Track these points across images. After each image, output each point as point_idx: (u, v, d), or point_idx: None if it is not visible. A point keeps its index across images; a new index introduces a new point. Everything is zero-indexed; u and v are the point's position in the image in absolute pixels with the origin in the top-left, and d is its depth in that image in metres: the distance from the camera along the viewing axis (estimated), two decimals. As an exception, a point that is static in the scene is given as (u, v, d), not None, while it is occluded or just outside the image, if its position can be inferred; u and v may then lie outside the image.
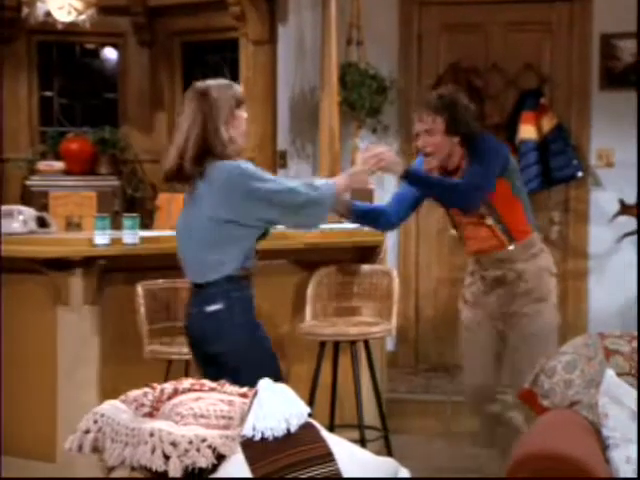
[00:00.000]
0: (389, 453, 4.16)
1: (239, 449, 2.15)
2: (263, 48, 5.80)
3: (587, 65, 5.91)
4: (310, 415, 2.30)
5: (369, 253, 4.75)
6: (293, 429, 2.17)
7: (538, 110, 5.88)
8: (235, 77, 6.32)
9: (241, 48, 6.40)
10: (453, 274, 6.15)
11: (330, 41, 4.90)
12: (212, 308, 3.11)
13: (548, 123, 5.86)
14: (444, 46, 6.04)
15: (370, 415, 4.42)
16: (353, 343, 4.09)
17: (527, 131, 5.86)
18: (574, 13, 5.92)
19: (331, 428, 4.25)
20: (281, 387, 2.25)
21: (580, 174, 5.84)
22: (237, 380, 2.59)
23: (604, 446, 2.62)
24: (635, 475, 2.42)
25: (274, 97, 6.11)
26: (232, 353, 3.08)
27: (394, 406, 5.11)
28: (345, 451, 2.14)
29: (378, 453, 4.03)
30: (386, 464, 2.19)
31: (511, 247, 3.67)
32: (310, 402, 4.04)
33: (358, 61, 5.78)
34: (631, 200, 5.44)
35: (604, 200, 5.80)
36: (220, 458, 2.18)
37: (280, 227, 4.86)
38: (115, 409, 2.31)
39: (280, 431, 2.15)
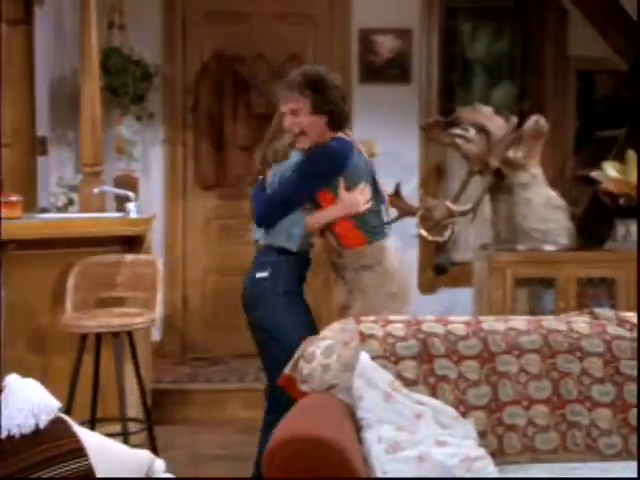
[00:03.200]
0: (152, 445, 4.12)
1: (-17, 449, 2.03)
2: (18, 28, 5.53)
3: (348, 58, 6.09)
4: (65, 410, 2.22)
5: (133, 242, 4.66)
6: (42, 425, 2.08)
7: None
8: (-13, 57, 5.99)
9: (-7, 27, 6.08)
10: (221, 263, 6.17)
11: (90, 24, 4.74)
12: (260, 275, 3.46)
13: (311, 113, 5.96)
14: (209, 34, 6.03)
15: (134, 407, 4.36)
16: (116, 334, 4.00)
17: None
18: (334, 7, 6.08)
19: (93, 422, 4.15)
20: (30, 382, 2.16)
21: (343, 164, 5.99)
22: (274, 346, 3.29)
23: (358, 427, 2.70)
24: (385, 454, 2.51)
25: (32, 80, 5.85)
26: (267, 319, 3.44)
27: (160, 397, 5.07)
28: (97, 445, 2.08)
29: (141, 445, 4.00)
30: (140, 455, 2.15)
31: (340, 254, 3.57)
32: (70, 396, 3.93)
33: (121, 46, 5.65)
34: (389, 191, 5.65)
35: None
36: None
37: (44, 216, 4.73)
38: None
39: (28, 428, 2.05)
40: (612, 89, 6.25)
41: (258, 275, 3.46)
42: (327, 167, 3.45)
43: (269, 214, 3.48)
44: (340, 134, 3.50)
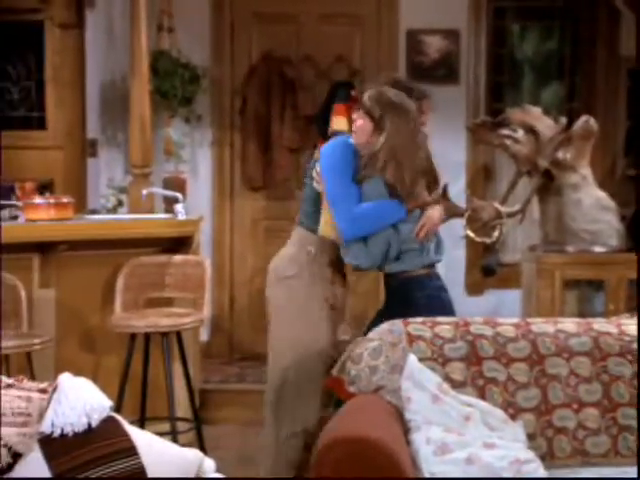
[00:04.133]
0: (201, 444, 4.15)
1: (37, 446, 2.07)
2: (70, 32, 5.62)
3: (395, 59, 6.07)
4: (115, 409, 2.25)
5: (182, 243, 4.70)
6: (94, 423, 2.11)
7: (349, 102, 5.98)
8: (40, 61, 6.09)
9: (46, 32, 6.17)
10: (267, 263, 6.18)
11: (140, 27, 4.80)
12: None
13: (359, 115, 5.96)
14: (256, 35, 6.06)
15: (183, 407, 4.39)
16: (165, 335, 4.04)
17: (339, 122, 5.93)
18: (382, 8, 6.07)
19: (142, 421, 4.19)
20: (82, 381, 2.19)
21: (390, 165, 5.98)
22: None
23: (406, 429, 2.69)
24: (434, 456, 2.51)
25: (83, 83, 5.94)
26: None
27: (208, 396, 5.12)
28: (148, 444, 2.11)
29: (189, 445, 4.02)
30: (191, 455, 2.17)
31: None
32: (120, 395, 3.97)
33: (170, 49, 5.70)
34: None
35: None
36: (18, 457, 2.10)
37: (94, 217, 4.80)
38: None
39: (81, 426, 2.09)
40: (663, 89, 6.16)
41: None
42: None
43: None
44: None
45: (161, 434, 3.65)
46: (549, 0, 5.95)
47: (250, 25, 6.07)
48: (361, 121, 3.37)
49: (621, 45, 6.14)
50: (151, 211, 4.99)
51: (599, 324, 3.03)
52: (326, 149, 3.49)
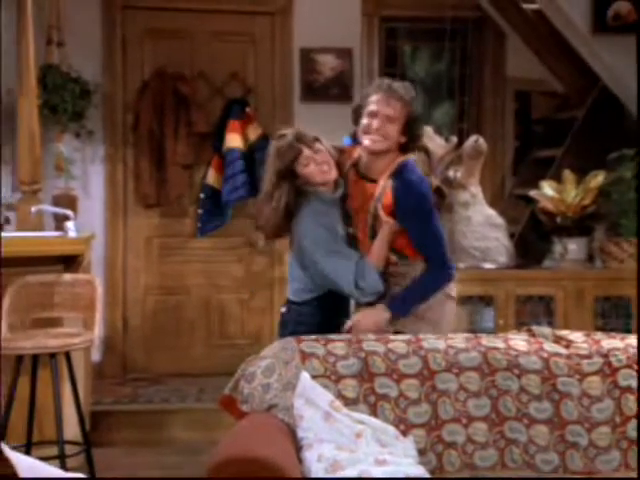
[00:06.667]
0: (90, 468, 4.05)
1: None
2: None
3: (289, 77, 6.10)
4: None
5: (72, 262, 4.60)
6: (-26, 450, 2.03)
7: (244, 119, 5.98)
8: None
9: None
10: (162, 282, 6.13)
11: (27, 41, 4.68)
12: None
13: (254, 132, 5.97)
14: (149, 51, 6.00)
15: (73, 429, 4.28)
16: (53, 355, 3.94)
17: (233, 140, 5.93)
18: (275, 26, 6.10)
19: (29, 445, 4.07)
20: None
21: (284, 183, 5.99)
22: None
23: (299, 447, 2.69)
24: (325, 474, 2.51)
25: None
26: None
27: (100, 418, 5.00)
28: (30, 469, 2.04)
29: (79, 468, 3.94)
30: (75, 480, 2.11)
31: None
32: (5, 419, 3.85)
33: (60, 63, 5.59)
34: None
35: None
36: None
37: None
38: None
39: (-41, 453, 2.01)
40: (549, 110, 6.36)
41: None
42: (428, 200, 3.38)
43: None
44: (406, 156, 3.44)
45: (49, 458, 3.58)
46: (438, 22, 6.07)
47: (143, 41, 6.00)
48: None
49: (507, 67, 6.32)
50: (40, 229, 4.86)
51: (487, 339, 3.09)
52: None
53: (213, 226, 6.01)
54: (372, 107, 3.35)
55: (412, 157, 3.45)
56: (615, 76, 5.29)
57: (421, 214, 3.30)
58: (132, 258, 6.09)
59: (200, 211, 5.99)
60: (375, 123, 3.32)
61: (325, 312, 3.34)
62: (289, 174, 3.33)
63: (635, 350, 3.07)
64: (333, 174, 3.36)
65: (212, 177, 5.96)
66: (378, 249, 3.31)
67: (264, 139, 5.97)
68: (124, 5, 5.95)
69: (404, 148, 3.40)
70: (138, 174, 5.98)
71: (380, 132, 3.31)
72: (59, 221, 4.96)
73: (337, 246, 3.29)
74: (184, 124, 5.89)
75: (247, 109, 6.01)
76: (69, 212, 4.67)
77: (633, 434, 2.93)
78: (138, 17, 5.98)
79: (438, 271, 3.33)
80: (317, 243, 3.27)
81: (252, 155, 5.93)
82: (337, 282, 3.26)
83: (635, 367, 3.02)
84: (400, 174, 3.32)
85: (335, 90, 6.10)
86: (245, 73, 6.12)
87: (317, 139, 3.38)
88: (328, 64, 6.07)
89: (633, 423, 2.95)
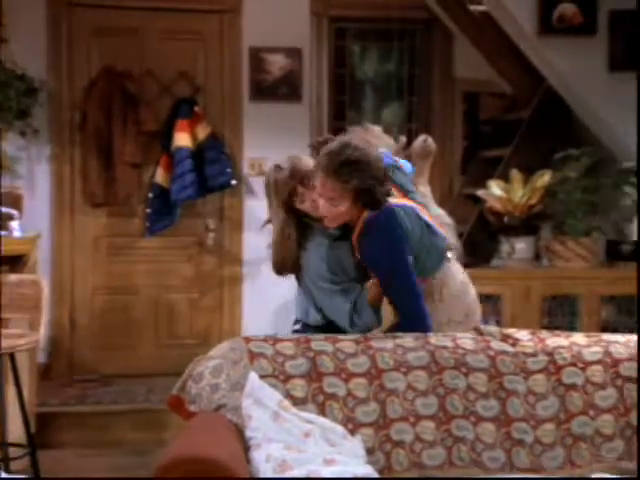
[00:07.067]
0: (35, 470, 4.01)
1: None
2: None
3: (238, 76, 6.08)
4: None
5: (18, 262, 4.54)
6: None
7: (193, 118, 5.95)
8: None
9: None
10: (110, 282, 6.07)
11: (-31, 38, 4.63)
12: None
13: (203, 131, 5.95)
14: (97, 49, 5.93)
15: (17, 432, 4.23)
16: (-3, 357, 3.88)
17: (182, 139, 5.90)
18: (224, 25, 6.08)
19: (-29, 449, 4.02)
20: None
21: (234, 182, 5.98)
22: None
23: (247, 447, 2.68)
24: (273, 474, 2.50)
25: None
26: None
27: (46, 420, 4.95)
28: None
29: (23, 471, 3.89)
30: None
31: None
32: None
33: (4, 60, 5.50)
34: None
35: (256, 207, 5.98)
36: None
37: None
38: None
39: None
40: (497, 111, 6.42)
41: None
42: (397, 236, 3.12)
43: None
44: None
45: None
46: (387, 22, 6.10)
47: (90, 38, 5.93)
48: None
49: (455, 68, 6.37)
50: (-16, 228, 4.79)
51: (435, 338, 3.10)
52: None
53: (162, 225, 5.97)
54: (316, 183, 3.12)
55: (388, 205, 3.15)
56: (560, 77, 5.36)
57: (384, 273, 3.11)
58: (80, 258, 6.02)
59: (149, 210, 5.95)
60: (320, 205, 3.10)
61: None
62: (291, 208, 3.26)
63: (579, 348, 3.12)
64: None
65: (161, 176, 5.92)
66: (372, 292, 3.20)
67: (213, 138, 5.97)
68: (69, 2, 5.87)
69: (371, 208, 3.10)
70: (85, 173, 5.92)
71: (327, 213, 3.10)
72: (3, 220, 4.89)
73: (337, 281, 3.21)
74: (132, 123, 5.84)
75: (196, 108, 5.98)
76: (14, 211, 4.61)
77: (578, 430, 2.98)
78: (85, 14, 5.92)
79: (409, 324, 3.15)
80: (318, 277, 3.22)
81: (201, 154, 5.91)
82: (334, 317, 3.23)
83: (579, 365, 3.07)
84: (365, 235, 3.12)
85: (284, 90, 6.09)
86: (194, 72, 6.09)
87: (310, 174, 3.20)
88: (277, 63, 6.07)
89: (577, 420, 2.99)
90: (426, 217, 3.31)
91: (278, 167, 3.32)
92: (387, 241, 3.09)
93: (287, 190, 3.25)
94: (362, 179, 3.03)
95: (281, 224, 3.28)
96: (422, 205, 3.38)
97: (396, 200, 3.21)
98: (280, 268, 3.33)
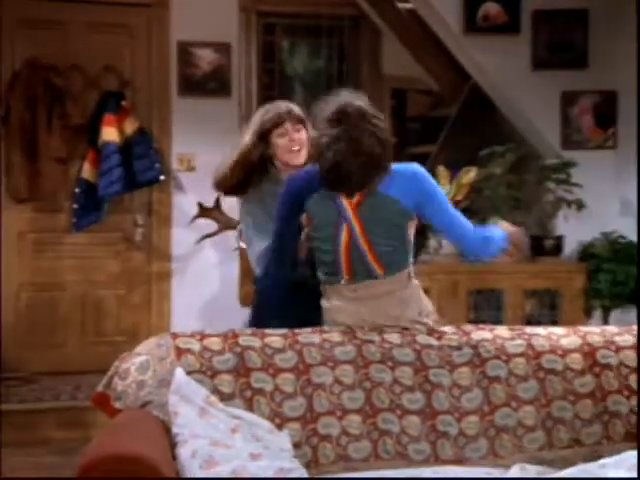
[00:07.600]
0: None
1: None
2: None
3: (166, 71, 6.04)
4: None
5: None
6: None
7: (120, 113, 5.89)
8: None
9: None
10: (36, 278, 5.98)
11: None
12: None
13: (130, 126, 5.89)
14: (21, 41, 5.83)
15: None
16: None
17: (109, 133, 5.84)
18: (152, 19, 6.03)
19: None
20: None
21: (162, 178, 5.94)
22: None
23: (173, 443, 2.67)
24: (200, 470, 2.50)
25: None
26: None
27: (-30, 420, 4.85)
28: None
29: (-55, 472, 3.80)
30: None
31: None
32: None
33: None
34: (210, 203, 5.63)
35: (185, 203, 5.96)
36: None
37: None
38: None
39: None
40: (425, 108, 6.49)
41: None
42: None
43: None
44: None
45: None
46: (316, 18, 6.12)
47: (13, 30, 5.82)
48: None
49: (384, 65, 6.43)
50: None
51: (362, 332, 3.13)
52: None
53: (89, 221, 5.90)
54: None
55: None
56: (485, 75, 5.45)
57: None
58: (4, 254, 5.92)
59: (75, 206, 5.87)
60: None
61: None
62: (266, 139, 3.43)
63: (503, 341, 3.18)
64: (300, 160, 3.42)
65: (87, 171, 5.85)
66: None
67: (141, 133, 5.91)
68: (-8, -8, 5.78)
69: None
70: (9, 168, 5.82)
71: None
72: None
73: (262, 225, 3.36)
74: (58, 117, 5.76)
75: (123, 102, 5.92)
76: None
77: (501, 422, 3.03)
78: (9, 6, 5.81)
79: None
80: (249, 215, 3.45)
81: (129, 149, 5.85)
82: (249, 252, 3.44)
83: (503, 357, 3.13)
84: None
85: (213, 85, 6.08)
86: (121, 66, 6.04)
87: (304, 123, 3.45)
88: (206, 58, 6.04)
89: (500, 412, 3.04)
90: None
91: (275, 101, 3.59)
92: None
93: (274, 120, 3.44)
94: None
95: (249, 146, 3.44)
96: None
97: None
98: (222, 181, 3.51)
